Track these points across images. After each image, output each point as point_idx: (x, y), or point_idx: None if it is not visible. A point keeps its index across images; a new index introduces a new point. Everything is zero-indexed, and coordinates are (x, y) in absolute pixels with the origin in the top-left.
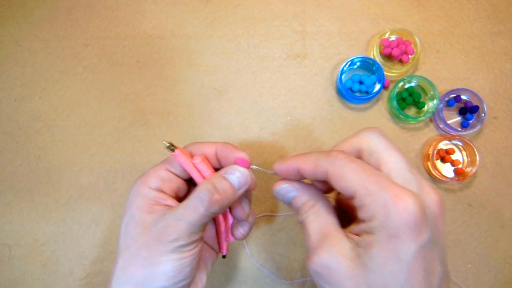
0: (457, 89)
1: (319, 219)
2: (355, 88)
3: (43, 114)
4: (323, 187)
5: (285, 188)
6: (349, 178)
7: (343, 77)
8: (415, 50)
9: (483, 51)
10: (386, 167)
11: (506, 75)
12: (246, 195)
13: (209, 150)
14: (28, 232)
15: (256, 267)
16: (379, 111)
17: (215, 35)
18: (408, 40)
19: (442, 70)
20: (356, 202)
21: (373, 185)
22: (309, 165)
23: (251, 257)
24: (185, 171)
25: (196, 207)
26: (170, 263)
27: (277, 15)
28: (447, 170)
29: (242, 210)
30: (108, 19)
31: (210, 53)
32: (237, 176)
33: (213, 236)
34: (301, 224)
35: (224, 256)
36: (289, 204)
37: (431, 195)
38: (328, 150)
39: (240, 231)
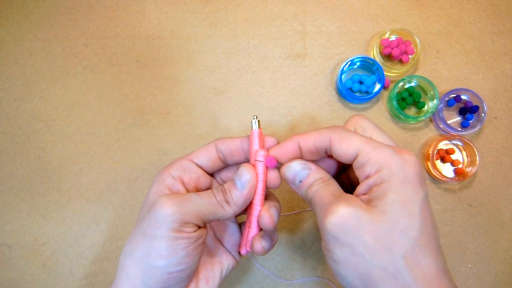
0: (457, 89)
1: (332, 187)
2: (355, 88)
3: (43, 114)
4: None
5: (299, 165)
6: (353, 139)
7: (343, 77)
8: (415, 50)
9: (483, 51)
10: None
11: (506, 75)
12: (273, 201)
13: (235, 145)
14: (28, 232)
15: (256, 267)
16: (379, 111)
17: (215, 35)
18: (408, 40)
19: (442, 70)
20: (359, 160)
21: (375, 143)
22: (311, 137)
23: (251, 257)
24: (210, 161)
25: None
26: (164, 241)
27: (277, 15)
28: (447, 170)
29: (270, 217)
30: (108, 19)
31: (210, 53)
32: (242, 179)
33: (235, 242)
34: (310, 198)
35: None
36: (299, 183)
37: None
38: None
39: (262, 243)
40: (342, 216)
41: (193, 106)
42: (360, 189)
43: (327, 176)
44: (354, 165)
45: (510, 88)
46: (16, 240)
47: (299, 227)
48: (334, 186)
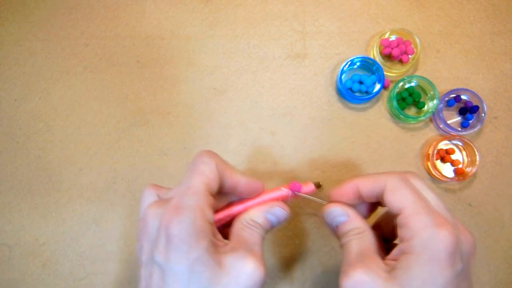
0: (457, 89)
1: (363, 243)
2: (355, 88)
3: (43, 114)
4: (366, 211)
5: (337, 211)
6: (403, 193)
7: (343, 77)
8: (415, 50)
9: (483, 51)
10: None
11: (506, 75)
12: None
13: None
14: (28, 232)
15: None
16: (379, 111)
17: (215, 35)
18: (408, 40)
19: (442, 70)
20: (400, 220)
21: (422, 206)
22: (368, 180)
23: None
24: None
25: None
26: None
27: (277, 15)
28: (447, 170)
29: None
30: (108, 19)
31: (210, 53)
32: (276, 216)
33: None
34: (343, 244)
35: None
36: (336, 227)
37: (466, 234)
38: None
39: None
40: (357, 282)
41: (193, 106)
42: (393, 252)
43: (363, 227)
44: (396, 221)
45: (510, 88)
46: (16, 240)
47: (299, 227)
48: (367, 241)
